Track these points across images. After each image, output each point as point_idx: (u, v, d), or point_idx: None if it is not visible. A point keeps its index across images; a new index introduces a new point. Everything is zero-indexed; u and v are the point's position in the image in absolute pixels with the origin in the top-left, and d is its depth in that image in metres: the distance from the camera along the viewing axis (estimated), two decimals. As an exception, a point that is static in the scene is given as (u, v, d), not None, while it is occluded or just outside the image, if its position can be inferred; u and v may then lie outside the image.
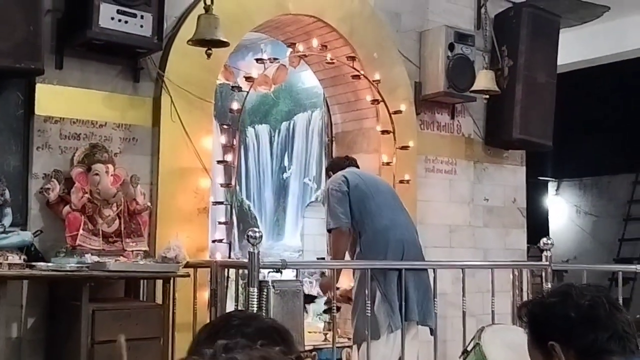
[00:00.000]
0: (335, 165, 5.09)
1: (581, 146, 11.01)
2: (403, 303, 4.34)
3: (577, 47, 7.96)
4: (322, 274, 5.64)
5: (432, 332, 4.51)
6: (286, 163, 7.53)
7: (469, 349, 2.49)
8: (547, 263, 4.85)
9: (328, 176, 5.05)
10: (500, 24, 6.45)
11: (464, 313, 4.59)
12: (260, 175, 7.68)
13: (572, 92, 8.82)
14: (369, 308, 4.22)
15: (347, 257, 4.73)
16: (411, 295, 4.41)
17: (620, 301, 4.86)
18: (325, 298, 5.14)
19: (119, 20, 4.38)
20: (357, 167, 5.04)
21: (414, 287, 4.45)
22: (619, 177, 12.09)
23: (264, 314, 3.52)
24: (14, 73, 4.25)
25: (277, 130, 7.57)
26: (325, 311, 5.34)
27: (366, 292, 4.23)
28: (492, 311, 4.63)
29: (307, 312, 5.23)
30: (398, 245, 4.51)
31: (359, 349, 4.46)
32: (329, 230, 4.72)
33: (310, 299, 5.19)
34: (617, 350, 1.67)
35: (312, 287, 6.44)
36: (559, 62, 6.68)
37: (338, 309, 4.62)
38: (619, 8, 7.64)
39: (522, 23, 6.30)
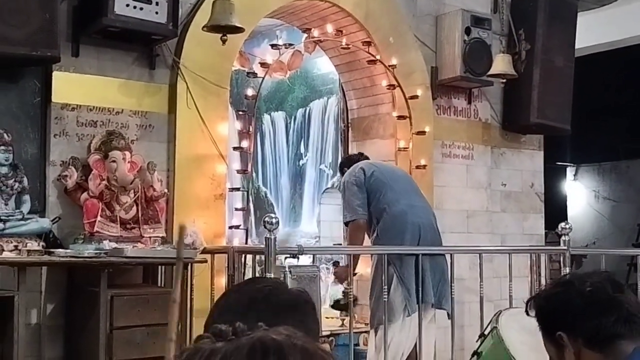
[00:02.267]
0: (348, 161, 5.11)
1: (600, 131, 10.95)
2: (420, 287, 4.35)
3: (596, 30, 7.90)
4: (336, 263, 5.66)
5: (449, 316, 4.52)
6: (302, 150, 7.54)
7: (486, 332, 2.50)
8: (565, 248, 4.83)
9: (342, 173, 5.07)
10: (517, 7, 6.39)
11: (481, 298, 4.59)
12: (276, 162, 7.70)
13: (591, 76, 8.76)
14: (386, 293, 4.24)
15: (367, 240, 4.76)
16: (427, 279, 4.42)
17: (638, 286, 4.87)
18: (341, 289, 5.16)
19: (134, 7, 4.40)
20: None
21: (430, 270, 4.47)
22: (638, 161, 12.00)
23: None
24: (31, 61, 4.28)
25: (293, 117, 7.58)
26: (334, 306, 5.37)
27: (383, 277, 4.25)
28: (510, 296, 4.62)
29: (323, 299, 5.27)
30: (415, 229, 4.53)
31: (375, 333, 4.48)
32: (345, 224, 4.74)
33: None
34: (625, 333, 1.66)
35: (329, 273, 6.46)
36: (577, 46, 6.62)
37: (355, 299, 4.65)
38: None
39: (540, 6, 6.25)
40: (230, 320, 1.10)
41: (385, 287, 4.25)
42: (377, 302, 4.40)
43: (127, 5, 4.36)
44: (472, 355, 2.48)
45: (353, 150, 6.09)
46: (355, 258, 4.61)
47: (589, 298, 1.70)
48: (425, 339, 4.42)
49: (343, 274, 4.76)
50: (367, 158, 5.13)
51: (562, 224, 4.88)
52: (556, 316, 1.74)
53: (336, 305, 5.29)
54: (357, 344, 5.07)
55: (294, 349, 0.83)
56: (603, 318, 1.68)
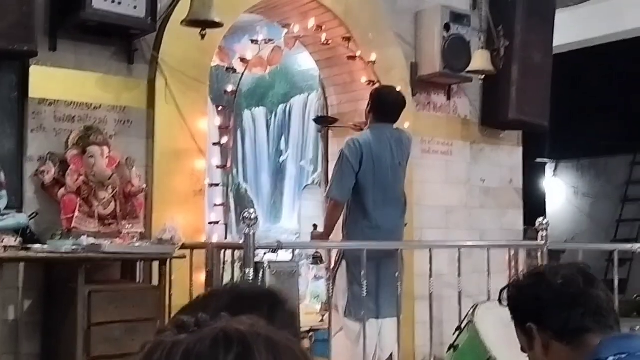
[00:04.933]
0: (378, 102, 4.74)
1: (579, 127, 11.00)
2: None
3: (574, 27, 7.94)
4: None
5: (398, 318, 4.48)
6: (283, 146, 7.55)
7: (462, 326, 2.50)
8: (543, 242, 4.87)
9: (370, 105, 4.76)
10: (496, 4, 6.42)
11: (459, 293, 4.61)
12: (257, 159, 7.70)
13: (569, 73, 8.81)
14: (365, 288, 4.21)
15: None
16: (371, 293, 4.37)
17: (617, 282, 4.90)
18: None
19: (113, 1, 4.37)
20: (397, 117, 4.79)
21: (378, 283, 4.43)
22: (616, 158, 12.08)
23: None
24: (7, 55, 4.25)
25: (273, 113, 7.58)
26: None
27: (362, 271, 4.20)
28: (488, 291, 4.63)
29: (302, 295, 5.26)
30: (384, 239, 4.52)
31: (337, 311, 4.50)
32: (330, 197, 4.67)
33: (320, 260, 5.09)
34: (593, 327, 1.67)
35: (309, 270, 6.46)
36: (555, 43, 6.66)
37: (321, 260, 4.63)
38: (616, -13, 7.62)
39: (518, 3, 6.28)
40: (190, 313, 1.09)
41: (365, 281, 4.21)
42: (337, 293, 4.43)
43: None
44: (449, 349, 2.49)
45: (333, 146, 6.06)
46: (329, 228, 4.59)
47: (559, 291, 1.70)
48: (389, 345, 4.44)
49: (318, 238, 4.72)
50: (397, 108, 4.78)
51: (540, 219, 4.91)
52: (527, 307, 1.75)
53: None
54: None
55: (257, 338, 0.82)
56: (572, 311, 1.68)
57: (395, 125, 5.70)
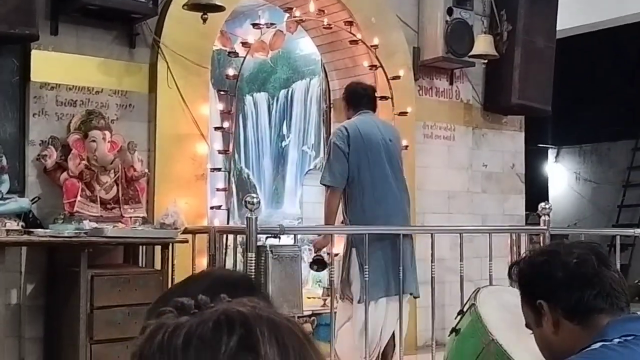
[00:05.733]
0: (351, 96, 4.77)
1: (581, 113, 10.98)
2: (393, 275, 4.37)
3: (577, 11, 7.89)
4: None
5: (415, 296, 4.53)
6: (285, 131, 7.52)
7: (464, 309, 2.50)
8: (545, 227, 4.86)
9: (344, 104, 4.81)
10: (499, -12, 6.39)
11: (461, 278, 4.61)
12: (258, 144, 7.67)
13: (572, 57, 8.79)
14: (367, 271, 4.22)
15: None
16: (384, 271, 4.39)
17: (618, 267, 4.90)
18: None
19: (114, -15, 4.36)
20: (374, 104, 4.83)
21: (391, 262, 4.42)
22: (618, 143, 12.08)
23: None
24: (9, 39, 4.24)
25: (275, 98, 7.55)
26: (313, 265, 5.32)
27: (364, 256, 4.22)
28: (490, 276, 4.65)
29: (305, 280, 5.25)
30: (386, 223, 4.49)
31: (341, 300, 4.51)
32: (323, 184, 4.66)
33: (322, 264, 5.13)
34: (605, 307, 1.67)
35: (311, 254, 6.46)
36: (558, 27, 6.63)
37: (325, 265, 4.60)
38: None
39: (522, -13, 6.25)
40: (171, 298, 1.08)
41: (367, 266, 4.22)
42: (344, 281, 4.42)
43: (107, -17, 4.32)
44: (451, 332, 2.49)
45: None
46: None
47: (574, 270, 1.69)
48: (390, 325, 4.44)
49: (322, 243, 4.70)
50: (372, 94, 4.86)
51: (542, 204, 4.91)
52: (538, 284, 1.74)
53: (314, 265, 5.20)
54: (338, 324, 5.07)
55: (260, 320, 0.82)
56: (585, 292, 1.68)
57: (395, 111, 5.72)
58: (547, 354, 1.76)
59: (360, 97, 4.75)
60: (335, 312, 4.40)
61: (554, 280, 1.70)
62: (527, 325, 1.79)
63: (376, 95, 4.99)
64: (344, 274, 4.50)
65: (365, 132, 4.61)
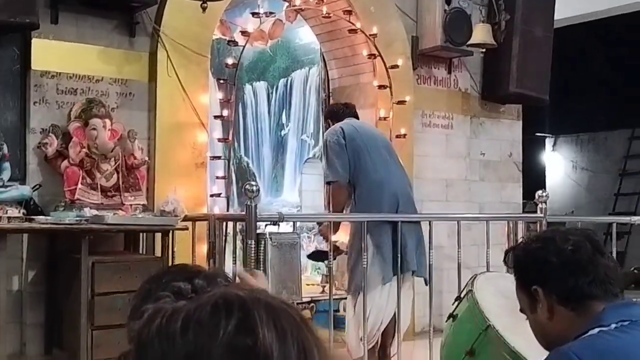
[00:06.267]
0: (333, 113, 4.99)
1: (578, 102, 10.98)
2: (399, 254, 4.36)
3: (575, 1, 7.88)
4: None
5: (427, 282, 4.54)
6: (284, 120, 7.50)
7: (462, 295, 2.51)
8: (542, 215, 4.86)
9: (327, 125, 4.99)
10: (498, -23, 6.37)
11: (459, 265, 4.61)
12: (258, 133, 7.65)
13: (570, 47, 8.77)
14: (366, 260, 4.24)
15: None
16: (409, 246, 4.42)
17: (614, 255, 4.91)
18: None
19: (114, -26, 4.34)
20: (356, 115, 4.96)
21: (409, 237, 4.46)
22: (615, 132, 12.08)
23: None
24: (9, 28, 4.23)
25: (274, 87, 7.53)
26: (312, 256, 5.32)
27: (362, 244, 4.25)
28: (487, 263, 4.65)
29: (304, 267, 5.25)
30: (392, 199, 4.51)
31: (353, 299, 4.48)
32: (327, 183, 4.71)
33: (322, 256, 5.15)
34: (599, 294, 1.67)
35: (310, 242, 6.46)
36: (556, 17, 6.61)
37: (326, 256, 4.62)
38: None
39: (520, -24, 6.23)
40: (148, 289, 1.08)
41: (365, 254, 4.24)
42: (355, 270, 4.40)
43: (106, -29, 4.31)
44: (448, 318, 2.49)
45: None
46: (335, 224, 4.60)
47: (569, 257, 1.69)
48: (403, 305, 4.44)
49: (327, 231, 4.72)
50: (352, 108, 4.99)
51: (539, 192, 4.91)
52: (534, 271, 1.74)
53: (313, 257, 5.23)
54: (337, 310, 5.09)
55: (257, 303, 0.82)
56: (580, 278, 1.68)
57: (394, 100, 5.72)
58: (542, 339, 1.76)
59: (342, 111, 4.90)
60: (334, 298, 4.41)
61: (549, 266, 1.70)
62: (522, 311, 1.79)
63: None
64: (354, 266, 4.47)
65: (358, 125, 4.75)
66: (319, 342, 0.84)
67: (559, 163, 12.91)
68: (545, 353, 1.66)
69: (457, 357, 2.29)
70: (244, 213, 3.88)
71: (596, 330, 1.60)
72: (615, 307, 1.64)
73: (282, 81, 7.42)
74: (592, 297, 1.67)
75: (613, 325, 1.60)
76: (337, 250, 4.68)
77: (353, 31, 5.67)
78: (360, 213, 4.51)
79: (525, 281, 1.76)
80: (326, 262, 5.32)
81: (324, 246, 5.59)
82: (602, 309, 1.63)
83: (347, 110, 4.91)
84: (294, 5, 5.47)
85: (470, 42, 5.82)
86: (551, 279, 1.70)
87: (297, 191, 7.15)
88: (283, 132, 7.49)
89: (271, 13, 5.58)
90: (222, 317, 0.80)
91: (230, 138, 5.30)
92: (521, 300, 1.78)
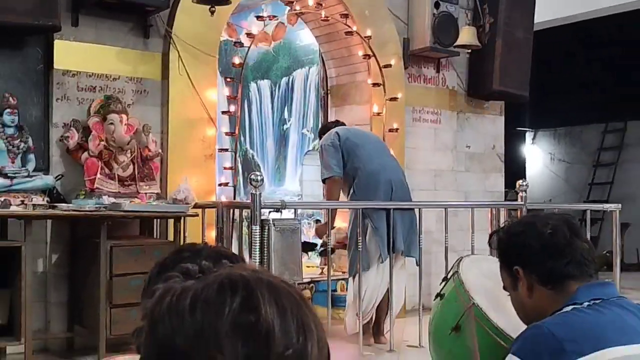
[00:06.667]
0: (326, 129, 5.05)
1: (556, 99, 10.96)
2: (392, 237, 4.38)
3: (554, 5, 7.85)
4: (317, 221, 5.66)
5: (417, 262, 4.56)
6: (286, 115, 7.49)
7: (448, 276, 2.50)
8: (522, 203, 4.87)
9: (320, 138, 5.04)
10: (482, -16, 6.35)
11: (446, 248, 4.63)
12: (262, 127, 7.65)
13: (549, 48, 8.75)
14: (361, 243, 4.25)
15: (343, 197, 4.76)
16: (398, 230, 4.45)
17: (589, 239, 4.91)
18: (320, 242, 5.16)
19: (129, -20, 4.32)
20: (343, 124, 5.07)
21: (401, 222, 4.49)
22: (590, 127, 12.07)
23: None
24: (33, 30, 4.22)
25: (277, 85, 7.51)
26: (320, 254, 5.35)
27: (358, 230, 4.26)
28: (472, 246, 4.66)
29: (307, 254, 5.26)
30: (387, 186, 4.55)
31: (353, 279, 4.50)
32: (323, 181, 4.73)
33: (310, 246, 5.18)
34: (576, 274, 1.67)
35: (310, 228, 6.47)
36: (536, 20, 6.59)
37: (333, 250, 4.67)
38: (592, -31, 7.53)
39: (503, -18, 6.21)
40: (160, 272, 1.07)
41: (360, 238, 4.26)
42: (354, 252, 4.42)
43: (123, -22, 4.29)
44: (436, 297, 2.49)
45: (332, 115, 6.08)
46: (333, 212, 4.62)
47: (548, 241, 1.69)
48: (396, 283, 4.46)
49: (322, 230, 4.78)
50: (343, 124, 5.10)
51: (520, 182, 4.91)
52: (515, 252, 1.74)
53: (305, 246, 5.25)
54: (334, 290, 5.10)
55: (260, 283, 0.81)
56: (557, 260, 1.68)
57: (387, 97, 5.71)
58: (522, 315, 1.76)
59: (333, 126, 4.96)
60: (332, 279, 4.43)
61: (529, 249, 1.70)
62: (505, 288, 1.79)
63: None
64: (353, 247, 4.49)
65: (350, 128, 4.93)
66: (316, 319, 0.84)
67: (538, 155, 12.90)
68: (524, 328, 1.66)
69: (444, 333, 2.30)
70: (249, 201, 3.88)
71: (570, 307, 1.60)
72: (588, 287, 1.64)
73: (284, 79, 7.41)
74: (568, 277, 1.67)
75: (586, 304, 1.60)
76: (336, 246, 4.73)
77: (349, 33, 5.66)
78: (357, 201, 4.53)
79: (508, 262, 1.76)
80: (312, 252, 5.37)
81: (311, 237, 5.63)
82: (576, 289, 1.63)
83: (339, 124, 5.03)
84: (295, 10, 5.46)
85: (456, 43, 5.80)
86: (531, 260, 1.70)
87: (298, 181, 7.15)
88: (285, 127, 7.48)
89: (274, 16, 5.57)
90: (227, 295, 0.80)
91: (236, 132, 5.29)
92: (504, 279, 1.79)
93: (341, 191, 4.76)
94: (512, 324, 1.99)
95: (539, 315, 1.67)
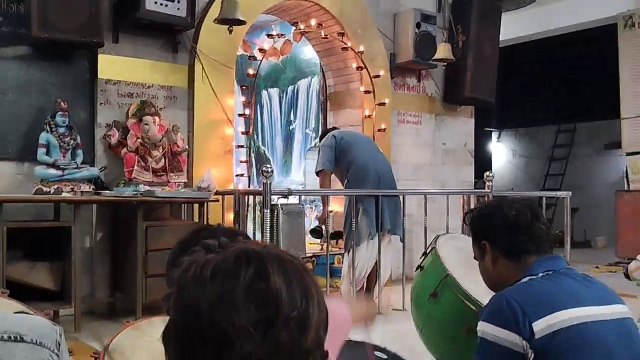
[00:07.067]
0: (325, 133, 5.01)
1: (518, 104, 10.94)
2: (379, 218, 4.38)
3: (516, 26, 7.84)
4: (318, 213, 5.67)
5: (401, 240, 4.56)
6: (292, 118, 7.48)
7: (427, 251, 2.50)
8: (489, 190, 4.86)
9: (320, 141, 5.04)
10: (456, 7, 6.32)
11: (425, 228, 4.62)
12: (272, 127, 7.63)
13: (511, 61, 8.72)
14: (355, 224, 4.25)
15: (340, 185, 4.76)
16: (385, 213, 4.45)
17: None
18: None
19: (161, 4, 4.32)
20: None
21: (387, 206, 4.49)
22: (545, 127, 12.03)
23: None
24: (81, 46, 4.21)
25: (284, 92, 7.49)
26: (312, 232, 5.33)
27: (352, 212, 4.26)
28: (447, 227, 4.65)
29: (318, 240, 5.27)
30: (376, 176, 4.54)
31: (348, 253, 4.50)
32: (317, 173, 4.73)
33: (319, 233, 5.15)
34: (533, 250, 1.67)
35: (312, 211, 6.47)
36: (501, 38, 6.57)
37: (337, 235, 4.72)
38: (548, -4, 7.51)
39: (473, 7, 6.18)
40: (183, 249, 1.07)
41: (354, 219, 4.26)
42: (349, 231, 4.43)
43: (155, 2, 4.29)
44: (417, 269, 2.49)
45: (330, 117, 6.07)
46: (326, 199, 4.65)
47: (512, 221, 1.69)
48: (384, 257, 4.46)
49: (323, 218, 4.77)
50: (338, 129, 5.09)
51: (487, 173, 4.91)
52: (484, 230, 1.74)
53: (312, 232, 5.26)
54: (332, 263, 5.10)
55: (270, 256, 0.82)
56: (519, 238, 1.67)
57: (376, 102, 5.69)
58: (487, 280, 1.77)
59: (330, 130, 4.91)
60: (330, 254, 4.43)
61: (496, 227, 1.71)
62: (475, 258, 1.79)
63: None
64: (347, 227, 4.50)
65: (344, 130, 4.93)
66: (317, 286, 0.84)
67: (502, 151, 12.88)
68: (489, 295, 1.66)
69: (423, 299, 2.30)
70: (261, 189, 3.88)
71: (527, 278, 1.60)
72: (542, 260, 1.64)
73: (290, 87, 7.39)
74: (527, 252, 1.67)
75: (540, 274, 1.60)
76: (338, 235, 4.75)
77: (345, 49, 5.64)
78: (351, 189, 4.53)
79: (478, 236, 1.76)
80: (320, 240, 5.38)
81: (313, 222, 5.63)
82: (532, 262, 1.63)
83: (335, 129, 5.00)
84: (300, 29, 5.45)
85: (434, 57, 5.78)
86: (497, 237, 1.70)
87: (302, 172, 7.15)
88: (291, 127, 7.46)
89: (282, 35, 5.56)
90: (242, 266, 0.80)
91: (250, 131, 5.28)
92: (474, 250, 1.79)
93: (338, 180, 4.76)
94: (479, 290, 1.99)
95: (500, 281, 1.67)
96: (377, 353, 2.34)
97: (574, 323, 1.44)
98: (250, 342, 0.76)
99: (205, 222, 4.33)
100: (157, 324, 1.63)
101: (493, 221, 1.71)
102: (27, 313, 1.37)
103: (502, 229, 1.69)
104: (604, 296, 1.55)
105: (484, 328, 1.48)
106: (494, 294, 1.61)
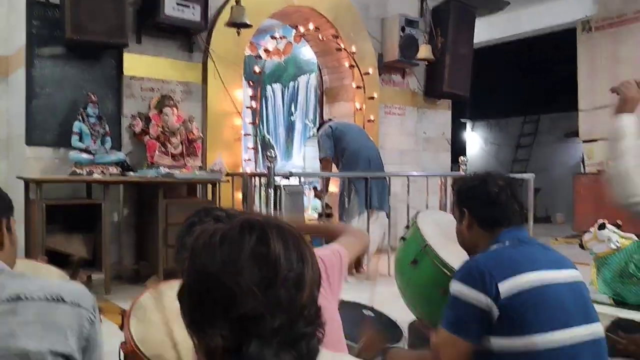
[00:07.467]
0: (322, 125, 5.02)
1: (489, 98, 10.89)
2: (368, 197, 4.39)
3: (488, 30, 7.79)
4: (315, 188, 5.66)
5: (387, 216, 4.57)
6: (293, 110, 7.45)
7: (409, 225, 2.50)
8: (463, 174, 4.85)
9: (318, 131, 5.03)
10: (436, 13, 6.27)
11: (408, 206, 4.63)
12: (275, 118, 7.60)
13: (483, 61, 8.67)
14: (348, 201, 4.26)
15: (335, 169, 4.76)
16: (374, 192, 4.46)
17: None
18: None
19: (178, 10, 4.27)
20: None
21: (375, 186, 4.49)
22: (513, 119, 12.01)
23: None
24: (109, 46, 4.19)
25: (286, 88, 7.46)
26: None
27: (345, 192, 4.27)
28: (427, 204, 4.67)
29: (306, 208, 5.27)
30: (365, 160, 4.55)
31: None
32: (320, 160, 4.74)
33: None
34: (505, 222, 1.66)
35: (310, 190, 6.47)
36: (475, 40, 6.53)
37: (330, 215, 4.73)
38: (516, 2, 7.47)
39: (451, 13, 6.14)
40: (190, 225, 1.07)
41: (347, 198, 4.27)
42: (342, 208, 4.44)
43: (173, 8, 4.25)
44: (400, 240, 2.49)
45: (326, 110, 6.04)
46: (327, 181, 4.64)
47: (492, 197, 1.66)
48: (372, 230, 4.47)
49: (318, 193, 4.80)
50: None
51: (461, 158, 4.91)
52: (467, 198, 1.71)
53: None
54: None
55: (270, 225, 0.82)
56: (495, 211, 1.66)
57: (366, 96, 5.66)
58: (460, 241, 1.76)
59: (326, 122, 4.90)
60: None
61: (477, 199, 1.68)
62: (454, 218, 1.77)
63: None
64: (342, 205, 4.52)
65: (339, 121, 4.91)
66: (311, 251, 0.84)
67: (475, 139, 12.87)
68: (462, 263, 1.66)
69: (405, 265, 2.30)
70: (266, 172, 3.88)
71: (495, 246, 1.60)
72: (509, 231, 1.64)
73: (291, 83, 7.35)
74: (500, 224, 1.65)
75: (507, 242, 1.60)
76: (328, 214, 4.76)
77: (339, 49, 5.61)
78: (344, 172, 4.53)
79: (460, 203, 1.73)
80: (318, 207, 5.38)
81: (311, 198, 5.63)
82: (501, 232, 1.63)
83: (330, 121, 4.99)
84: (300, 32, 5.40)
85: (417, 57, 5.75)
86: (476, 207, 1.68)
87: (302, 158, 7.14)
88: (292, 118, 7.44)
89: (284, 37, 5.52)
90: (246, 233, 0.80)
91: (256, 121, 5.28)
92: (455, 213, 1.76)
93: (333, 165, 4.76)
94: (454, 258, 1.99)
95: (472, 246, 1.67)
96: (366, 312, 2.36)
97: (535, 285, 1.45)
98: (253, 299, 0.76)
99: (219, 201, 4.34)
100: (175, 287, 1.64)
101: (476, 193, 1.69)
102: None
103: (482, 202, 1.67)
104: (561, 262, 1.56)
105: (455, 287, 1.49)
106: (465, 261, 1.62)
